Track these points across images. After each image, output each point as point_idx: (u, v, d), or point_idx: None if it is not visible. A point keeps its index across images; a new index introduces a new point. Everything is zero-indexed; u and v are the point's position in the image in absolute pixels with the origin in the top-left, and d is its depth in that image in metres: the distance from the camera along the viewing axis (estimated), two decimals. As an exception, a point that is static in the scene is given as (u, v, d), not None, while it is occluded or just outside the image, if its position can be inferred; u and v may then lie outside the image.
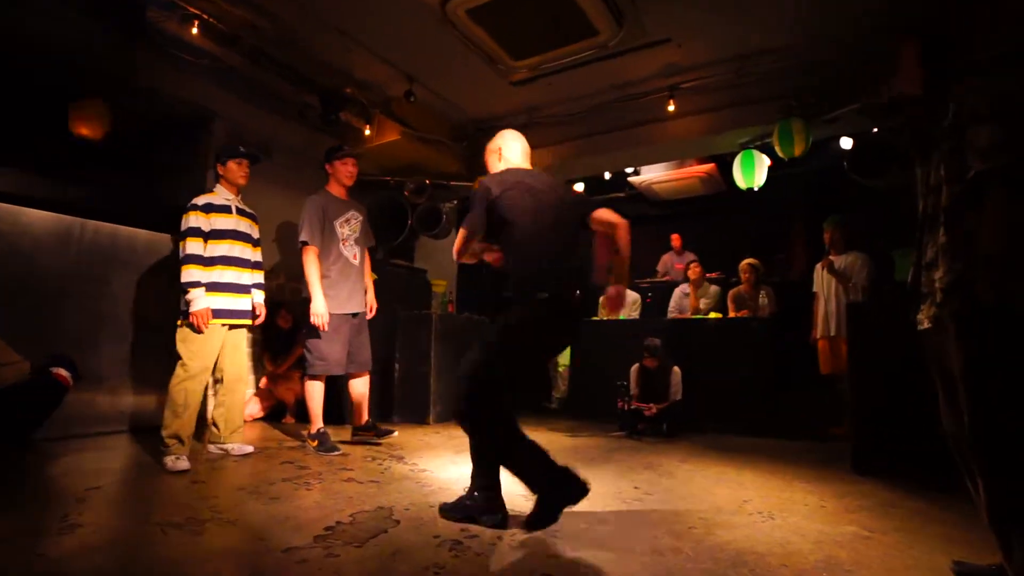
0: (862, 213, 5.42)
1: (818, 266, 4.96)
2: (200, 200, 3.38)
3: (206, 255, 3.31)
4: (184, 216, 3.32)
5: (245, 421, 4.11)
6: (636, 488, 2.98)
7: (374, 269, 4.58)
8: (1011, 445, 1.48)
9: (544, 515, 2.25)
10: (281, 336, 4.95)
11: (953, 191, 1.66)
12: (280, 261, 5.31)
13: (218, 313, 3.29)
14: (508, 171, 2.57)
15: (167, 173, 5.05)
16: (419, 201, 6.04)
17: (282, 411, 4.97)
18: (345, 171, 3.90)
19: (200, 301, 3.20)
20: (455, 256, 2.54)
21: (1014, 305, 1.49)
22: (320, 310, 3.62)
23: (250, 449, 3.51)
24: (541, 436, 4.25)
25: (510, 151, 2.73)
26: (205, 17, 3.97)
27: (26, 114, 4.68)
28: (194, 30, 3.97)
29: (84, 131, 4.53)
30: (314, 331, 3.68)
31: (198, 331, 3.21)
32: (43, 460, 3.19)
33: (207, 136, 4.84)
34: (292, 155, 5.45)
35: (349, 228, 3.90)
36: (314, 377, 3.77)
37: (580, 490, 2.27)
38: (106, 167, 5.07)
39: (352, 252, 3.88)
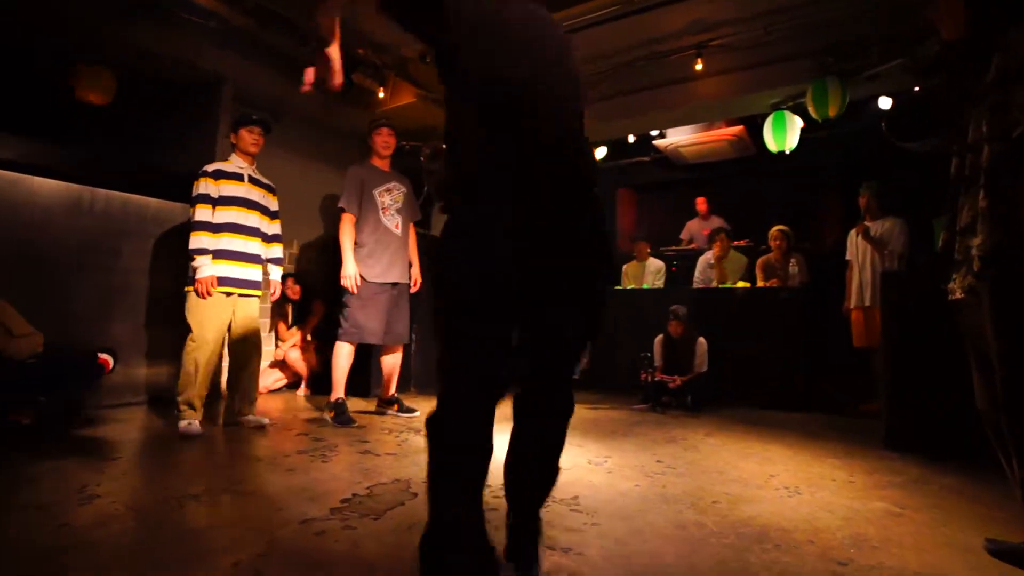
0: (900, 178, 5.28)
1: (852, 232, 4.82)
2: (210, 167, 3.44)
3: (215, 222, 3.37)
4: (195, 183, 3.39)
5: (260, 393, 4.20)
6: (659, 462, 2.99)
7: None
8: None
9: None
10: (293, 307, 5.01)
11: (995, 150, 1.55)
12: (292, 229, 5.33)
13: (224, 281, 3.36)
14: None
15: (177, 140, 5.06)
16: (434, 167, 6.01)
17: (297, 382, 5.05)
18: (380, 141, 3.97)
19: (205, 268, 3.28)
20: None
21: None
22: (350, 271, 3.70)
23: (266, 421, 3.58)
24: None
25: None
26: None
27: (31, 79, 4.70)
28: (200, -11, 3.94)
29: (90, 97, 4.55)
30: (351, 296, 3.73)
31: (202, 298, 3.29)
32: (62, 433, 3.28)
33: (217, 101, 4.82)
34: (304, 120, 5.44)
35: (391, 198, 3.94)
36: (345, 343, 3.80)
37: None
38: (114, 134, 5.10)
39: (394, 222, 3.93)
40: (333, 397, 3.79)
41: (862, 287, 4.72)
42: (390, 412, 4.08)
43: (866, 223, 4.70)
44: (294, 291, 4.99)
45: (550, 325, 1.48)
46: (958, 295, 1.74)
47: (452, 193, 1.44)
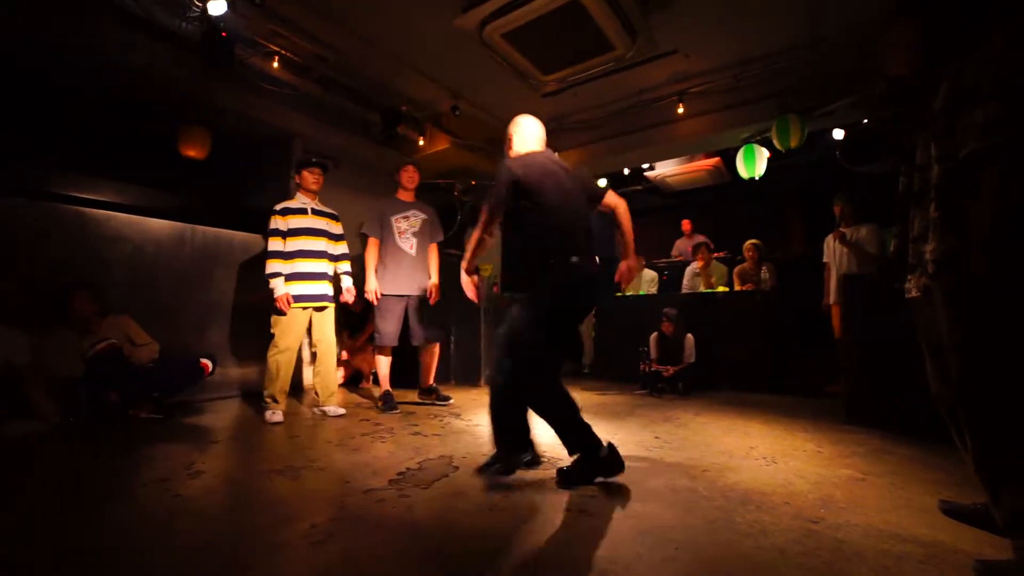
0: (857, 196, 5.16)
1: (829, 237, 4.58)
2: (279, 206, 3.51)
3: (287, 250, 3.44)
4: (269, 219, 3.47)
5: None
6: (656, 438, 2.96)
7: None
8: (1000, 409, 1.40)
9: (578, 475, 2.12)
10: (354, 316, 5.06)
11: (944, 168, 1.50)
12: (354, 255, 5.41)
13: (300, 298, 3.41)
14: (530, 154, 2.35)
15: (257, 184, 5.18)
16: (467, 199, 6.06)
17: (359, 378, 5.09)
18: (405, 176, 3.98)
19: (279, 289, 3.34)
20: (477, 231, 2.37)
21: (1007, 278, 1.37)
22: (371, 287, 3.76)
23: (343, 411, 3.60)
24: (573, 394, 4.26)
25: (528, 134, 2.48)
26: (283, 52, 4.03)
27: (143, 139, 4.86)
28: (275, 63, 4.04)
29: (191, 152, 4.69)
30: (377, 310, 3.80)
31: (282, 313, 3.34)
32: (173, 423, 3.36)
33: (288, 152, 4.94)
34: (360, 166, 5.52)
35: (407, 223, 3.94)
36: (379, 349, 3.87)
37: (619, 466, 2.14)
38: (208, 181, 5.23)
39: (408, 244, 3.91)
40: (382, 390, 3.87)
41: (840, 285, 4.46)
42: (427, 401, 4.08)
43: (842, 229, 4.46)
44: (357, 304, 5.04)
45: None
46: (914, 294, 1.70)
47: (543, 254, 2.20)
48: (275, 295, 3.34)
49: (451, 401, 4.12)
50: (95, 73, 3.86)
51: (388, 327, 3.81)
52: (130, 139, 4.85)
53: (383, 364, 3.90)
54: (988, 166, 1.38)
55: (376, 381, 4.86)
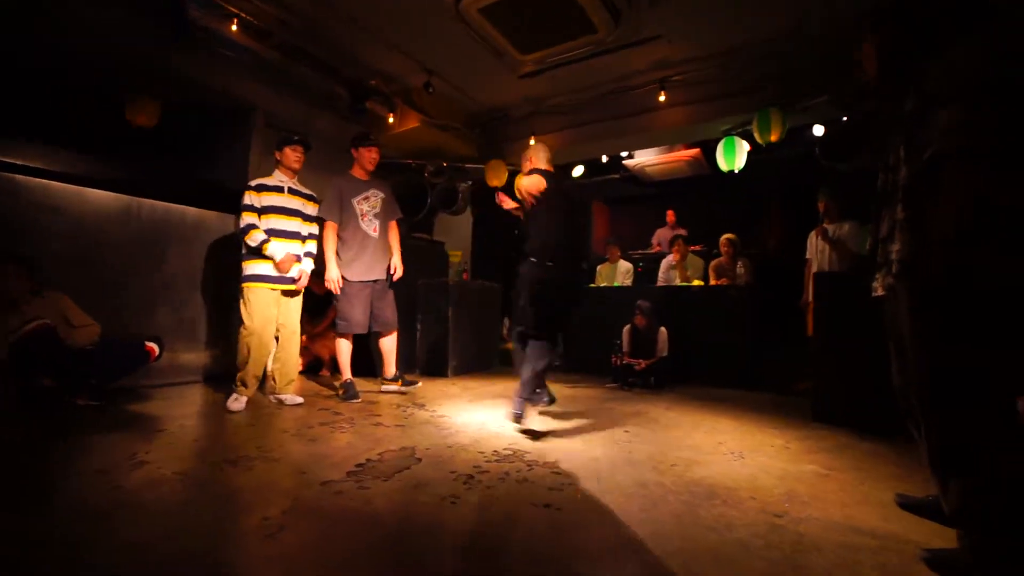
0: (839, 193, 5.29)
1: (812, 233, 4.64)
2: (254, 181, 3.47)
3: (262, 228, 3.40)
4: (242, 195, 3.42)
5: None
6: (626, 432, 3.02)
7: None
8: (951, 405, 1.49)
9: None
10: (316, 301, 4.98)
11: (912, 169, 1.58)
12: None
13: (270, 279, 3.39)
14: (548, 172, 3.20)
15: (211, 157, 5.03)
16: (438, 181, 6.01)
17: (319, 366, 5.03)
18: (368, 156, 3.91)
19: (277, 251, 3.36)
20: (523, 189, 3.06)
21: (962, 282, 1.45)
22: (332, 275, 3.70)
23: (301, 400, 3.57)
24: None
25: (542, 156, 3.35)
26: (242, 15, 3.92)
27: (87, 102, 4.65)
28: (233, 27, 3.92)
29: (140, 120, 4.52)
30: (341, 296, 3.76)
31: (283, 271, 3.39)
32: (115, 410, 3.26)
33: (248, 125, 4.81)
34: (323, 142, 5.39)
35: (368, 205, 3.90)
36: (341, 335, 3.85)
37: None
38: (158, 152, 5.06)
39: (372, 226, 3.88)
40: (343, 379, 3.85)
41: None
42: (394, 388, 4.07)
43: (825, 225, 4.52)
44: (320, 287, 4.96)
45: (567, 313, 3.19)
46: (879, 292, 1.78)
47: (534, 257, 3.03)
48: (277, 260, 3.36)
49: (418, 385, 4.17)
50: (30, 29, 3.68)
51: (357, 314, 3.79)
52: (70, 102, 4.64)
53: (345, 351, 3.88)
54: (947, 168, 1.45)
55: (336, 369, 4.81)
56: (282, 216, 3.46)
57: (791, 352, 4.92)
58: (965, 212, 1.42)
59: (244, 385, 3.35)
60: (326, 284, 3.73)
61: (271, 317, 3.43)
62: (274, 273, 3.41)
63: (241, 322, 3.36)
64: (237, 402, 3.28)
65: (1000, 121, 1.42)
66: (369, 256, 3.85)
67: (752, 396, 4.42)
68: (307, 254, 3.64)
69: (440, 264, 5.86)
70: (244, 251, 3.39)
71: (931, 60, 1.56)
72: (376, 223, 3.92)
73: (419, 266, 5.36)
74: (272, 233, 3.40)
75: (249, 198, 3.39)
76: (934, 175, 1.48)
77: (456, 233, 6.88)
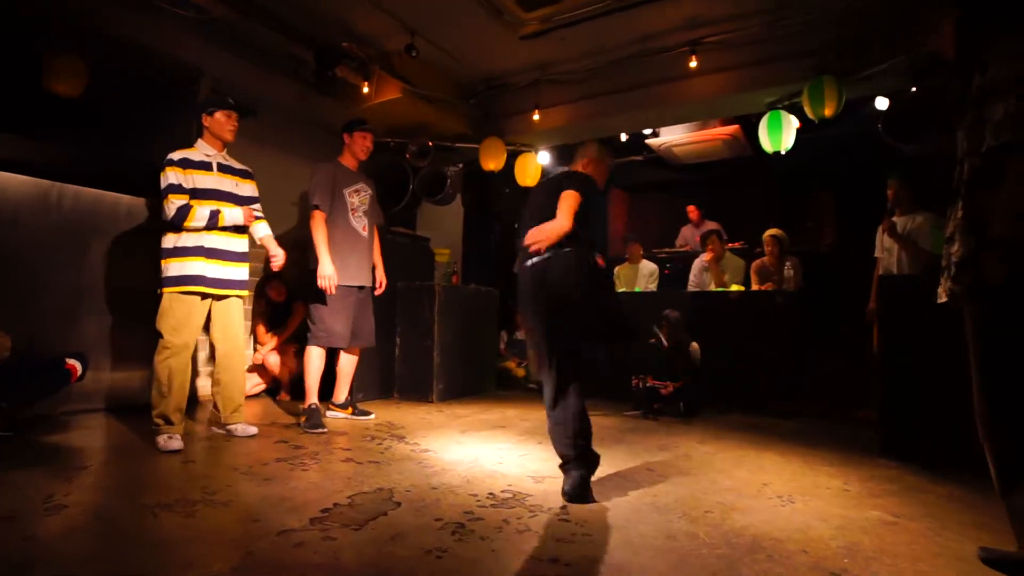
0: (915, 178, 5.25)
1: (880, 228, 4.52)
2: (176, 155, 3.30)
3: None
4: (161, 173, 3.25)
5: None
6: (650, 471, 3.01)
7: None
8: (1015, 418, 1.58)
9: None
10: (275, 309, 4.98)
11: (972, 164, 1.69)
12: (273, 230, 5.30)
13: (199, 281, 3.25)
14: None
15: (150, 134, 5.02)
16: (421, 164, 6.01)
17: (277, 388, 5.02)
18: (363, 145, 4.02)
19: (233, 215, 3.34)
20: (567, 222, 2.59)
21: (1019, 284, 1.56)
22: (328, 271, 3.72)
23: (254, 430, 3.52)
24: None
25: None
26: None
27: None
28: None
29: (60, 87, 4.50)
30: (320, 300, 3.77)
31: (276, 276, 3.45)
32: (26, 439, 3.24)
33: (193, 94, 4.80)
34: (283, 114, 5.42)
35: (359, 199, 4.00)
36: (312, 352, 3.86)
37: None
38: (84, 128, 5.04)
39: (361, 224, 4.00)
40: (307, 403, 3.83)
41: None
42: (342, 416, 4.13)
43: (894, 218, 4.41)
44: (279, 292, 4.97)
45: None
46: (943, 298, 1.85)
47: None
48: (243, 222, 3.36)
49: (371, 416, 4.22)
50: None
51: (340, 324, 3.84)
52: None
53: (315, 369, 3.88)
54: (1008, 164, 1.58)
55: (299, 393, 4.79)
56: (214, 202, 3.31)
57: (852, 372, 4.91)
58: (1020, 211, 1.54)
59: (168, 422, 3.18)
60: (320, 283, 3.73)
61: (198, 331, 3.35)
62: (209, 273, 3.27)
63: (158, 338, 3.22)
64: (172, 441, 3.11)
65: None
66: (357, 258, 3.94)
67: (804, 426, 4.42)
68: (264, 236, 3.59)
69: (424, 264, 5.87)
70: (170, 245, 3.24)
71: (997, 48, 1.70)
72: (365, 221, 4.04)
73: (399, 267, 5.35)
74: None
75: (174, 176, 3.23)
76: (993, 170, 1.61)
77: (444, 227, 6.88)
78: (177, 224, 3.21)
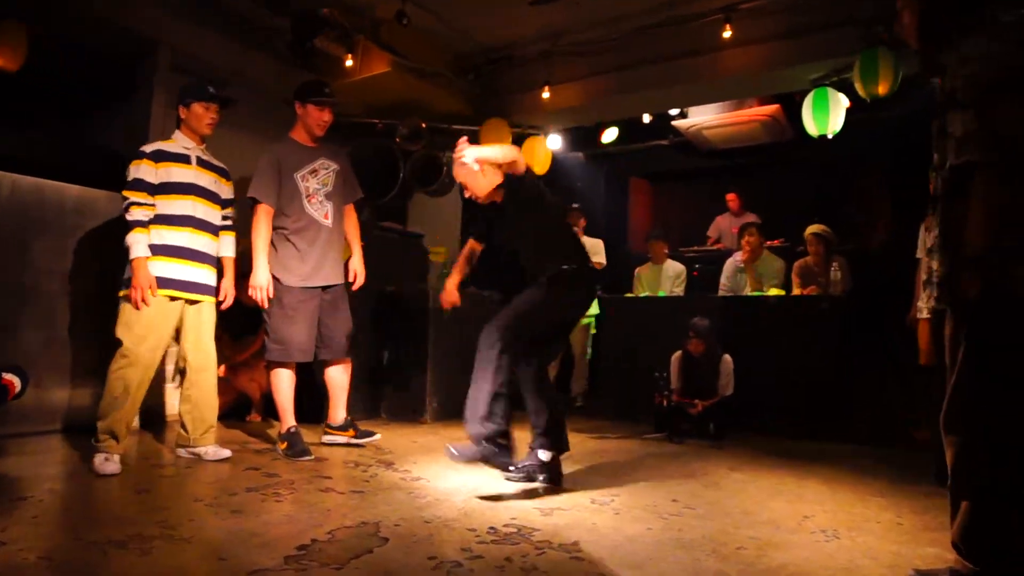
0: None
1: (923, 226, 4.64)
2: (149, 147, 3.39)
3: (158, 212, 3.33)
4: (130, 164, 3.33)
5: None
6: (675, 501, 3.01)
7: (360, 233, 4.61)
8: (981, 424, 1.84)
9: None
10: (244, 314, 4.99)
11: (943, 178, 1.87)
12: (246, 223, 5.32)
13: (168, 283, 3.31)
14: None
15: (102, 116, 5.05)
16: (413, 149, 6.02)
17: (247, 407, 5.04)
18: (318, 118, 3.85)
19: (138, 248, 3.22)
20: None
21: (998, 297, 1.76)
22: (261, 281, 3.63)
23: (227, 453, 3.55)
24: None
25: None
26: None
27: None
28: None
29: (-3, 61, 4.53)
30: (275, 306, 3.71)
31: (135, 307, 3.22)
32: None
33: (151, 70, 4.83)
34: (256, 93, 5.44)
35: (317, 181, 3.87)
36: (278, 365, 3.81)
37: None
38: (24, 107, 5.07)
39: (322, 211, 3.86)
40: (284, 427, 3.79)
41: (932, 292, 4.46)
42: (343, 439, 4.04)
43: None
44: (252, 297, 4.97)
45: None
46: (925, 314, 2.15)
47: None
48: (130, 257, 3.22)
49: (377, 437, 4.13)
50: None
51: (299, 333, 3.74)
52: None
53: (286, 387, 3.83)
54: (974, 182, 1.76)
55: (271, 411, 4.81)
56: (191, 198, 3.41)
57: (906, 389, 4.90)
58: (996, 226, 1.73)
59: (114, 438, 3.19)
60: (250, 292, 3.67)
61: (166, 340, 3.39)
62: (176, 275, 3.33)
63: (117, 345, 3.25)
64: (110, 463, 3.12)
65: (1018, 127, 1.73)
66: (319, 253, 3.82)
67: (852, 451, 4.42)
68: (226, 257, 3.66)
69: (416, 264, 5.89)
70: (128, 229, 3.28)
71: (952, 51, 1.84)
72: (328, 206, 3.89)
73: (387, 267, 5.37)
74: (177, 221, 3.36)
75: (141, 170, 3.31)
76: (959, 188, 1.78)
77: (439, 221, 6.89)
78: (125, 217, 3.29)
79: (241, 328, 4.97)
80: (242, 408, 5.06)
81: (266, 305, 3.69)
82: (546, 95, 5.69)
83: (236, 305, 4.92)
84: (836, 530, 2.63)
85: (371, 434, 4.12)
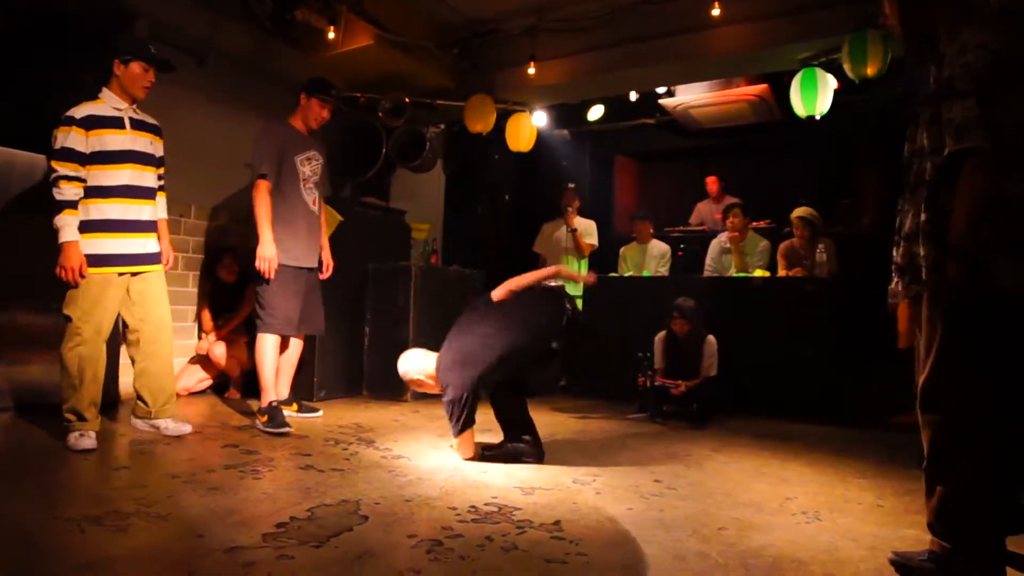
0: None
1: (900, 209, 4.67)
2: (78, 112, 3.20)
3: (92, 184, 3.22)
4: (55, 132, 3.17)
5: (179, 394, 4.18)
6: (657, 481, 3.03)
7: (340, 209, 4.62)
8: (955, 417, 1.89)
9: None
10: (225, 291, 4.95)
11: (935, 163, 1.93)
12: (222, 199, 5.27)
13: (112, 260, 3.25)
14: None
15: (75, 86, 4.93)
16: (396, 124, 5.96)
17: (225, 384, 5.01)
18: (318, 114, 4.04)
19: (68, 233, 3.11)
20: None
21: (980, 287, 1.81)
22: (269, 253, 3.73)
23: (188, 428, 3.56)
24: (545, 416, 4.36)
25: None
26: None
27: None
28: None
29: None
30: (271, 283, 3.80)
31: (72, 284, 3.15)
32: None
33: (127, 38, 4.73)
34: (234, 64, 5.37)
35: (310, 168, 4.03)
36: (264, 339, 3.88)
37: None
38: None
39: (311, 197, 4.04)
40: (264, 401, 3.84)
41: None
42: (288, 413, 4.04)
43: None
44: (231, 272, 4.94)
45: None
46: (902, 299, 2.16)
47: None
48: (59, 241, 3.11)
49: (319, 414, 4.30)
50: None
51: (293, 308, 3.89)
52: None
53: (270, 359, 3.88)
54: (964, 169, 1.81)
55: (246, 389, 4.79)
56: (127, 166, 3.29)
57: (889, 372, 4.95)
58: (980, 215, 1.78)
59: (81, 418, 3.19)
60: (258, 265, 3.74)
61: (113, 314, 3.34)
62: (117, 250, 3.25)
63: (66, 324, 3.20)
64: (85, 438, 3.12)
65: (1017, 116, 1.78)
66: (307, 235, 3.99)
67: (835, 433, 4.47)
68: (159, 217, 3.56)
69: (399, 241, 5.85)
70: (56, 211, 3.15)
71: (950, 39, 1.89)
72: (315, 194, 4.08)
73: (369, 244, 5.35)
74: (111, 193, 3.25)
75: (71, 138, 3.14)
76: (953, 175, 1.85)
77: (422, 198, 6.85)
78: (52, 193, 3.14)
79: (223, 304, 4.94)
80: (220, 385, 5.03)
81: (271, 276, 3.77)
82: (532, 71, 5.63)
83: (216, 282, 4.91)
84: (818, 512, 2.66)
85: (315, 411, 4.31)
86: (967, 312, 1.88)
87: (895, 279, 2.20)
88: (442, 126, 6.39)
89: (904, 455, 3.65)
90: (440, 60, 5.90)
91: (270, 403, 3.81)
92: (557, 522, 2.41)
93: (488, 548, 2.14)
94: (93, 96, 3.33)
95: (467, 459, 3.27)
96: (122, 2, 4.60)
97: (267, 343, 3.88)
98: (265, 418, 3.76)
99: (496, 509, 2.53)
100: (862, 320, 5.20)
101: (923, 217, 1.98)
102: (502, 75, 5.98)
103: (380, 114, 5.91)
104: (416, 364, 3.37)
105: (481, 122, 5.84)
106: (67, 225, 3.12)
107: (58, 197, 3.12)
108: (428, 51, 5.74)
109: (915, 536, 2.40)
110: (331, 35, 5.22)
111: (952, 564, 1.87)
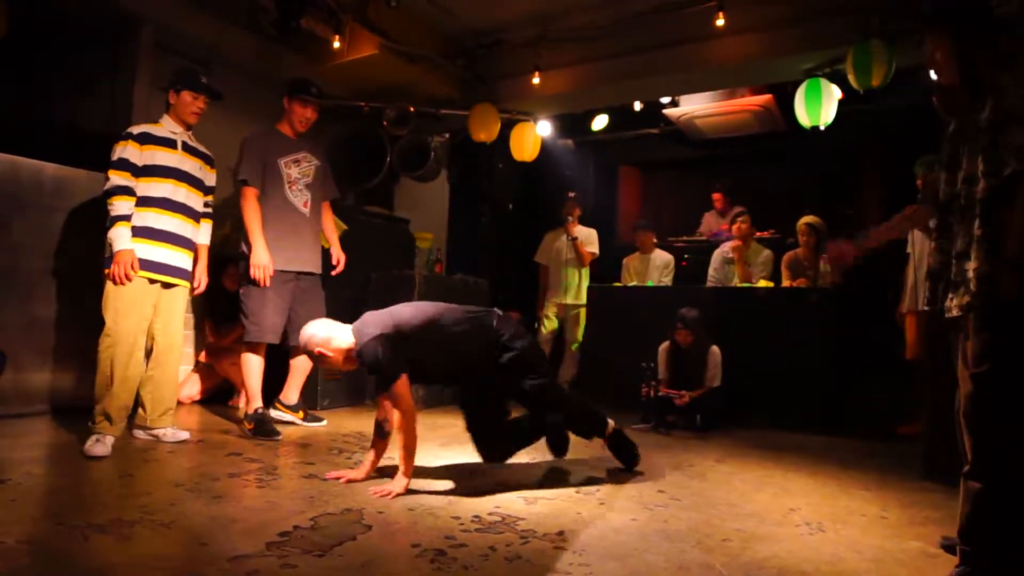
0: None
1: (928, 225, 4.59)
2: (136, 128, 3.45)
3: (140, 194, 3.38)
4: (115, 145, 3.38)
5: (180, 403, 4.20)
6: (660, 492, 3.03)
7: (344, 218, 4.63)
8: (1000, 436, 2.00)
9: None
10: (228, 300, 4.96)
11: (990, 184, 2.02)
12: (226, 208, 5.29)
13: (148, 265, 3.36)
14: None
15: (83, 93, 4.98)
16: (400, 133, 5.99)
17: (228, 393, 5.02)
18: (301, 115, 4.06)
19: (122, 241, 3.27)
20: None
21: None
22: (263, 260, 3.77)
23: (185, 436, 3.59)
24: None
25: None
26: None
27: None
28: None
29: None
30: (251, 289, 3.83)
31: (118, 284, 3.28)
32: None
33: (134, 46, 4.77)
34: (239, 73, 5.39)
35: (298, 170, 4.04)
36: (250, 346, 3.93)
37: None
38: (2, 82, 5.00)
39: (302, 199, 4.03)
40: (250, 408, 3.89)
41: (917, 287, 4.47)
42: (288, 418, 4.20)
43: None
44: (236, 280, 4.94)
45: None
46: (955, 313, 2.14)
47: None
48: (114, 250, 3.27)
49: (323, 423, 4.29)
50: None
51: (269, 316, 3.86)
52: None
53: (255, 368, 3.93)
54: (1021, 186, 1.93)
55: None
56: (172, 181, 3.48)
57: (894, 382, 4.95)
58: None
59: (108, 420, 3.26)
60: (252, 272, 3.77)
61: (146, 319, 3.43)
62: (157, 257, 3.40)
63: (101, 326, 3.32)
64: (100, 444, 3.17)
65: None
66: (295, 239, 3.96)
67: (839, 444, 4.46)
68: (202, 242, 3.71)
69: (403, 250, 5.87)
70: (110, 223, 3.34)
71: (1007, 71, 2.06)
72: (307, 196, 4.06)
73: (373, 252, 5.36)
74: (159, 204, 3.42)
75: (126, 151, 3.38)
76: (1012, 192, 1.96)
77: (426, 207, 6.88)
78: (104, 202, 3.34)
79: (224, 314, 4.95)
80: (224, 394, 5.04)
81: (268, 283, 3.80)
82: (536, 81, 5.66)
83: (219, 291, 4.93)
84: (821, 523, 2.67)
85: (319, 420, 4.30)
86: (1018, 324, 1.96)
87: (950, 296, 2.22)
88: (446, 135, 6.40)
89: (908, 466, 3.66)
90: (445, 70, 5.93)
91: (256, 410, 3.86)
92: (561, 532, 2.41)
93: (492, 558, 2.14)
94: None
95: (408, 408, 2.94)
96: (129, 9, 4.64)
97: (248, 355, 3.93)
98: (251, 425, 3.80)
99: (500, 519, 2.53)
100: (867, 331, 5.21)
101: (978, 232, 2.06)
102: (506, 85, 6.00)
103: (384, 123, 5.93)
104: (321, 332, 2.97)
105: (485, 131, 5.86)
106: (120, 236, 3.28)
107: (112, 213, 3.30)
108: (433, 61, 5.76)
109: (919, 548, 2.41)
110: (336, 44, 5.25)
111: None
